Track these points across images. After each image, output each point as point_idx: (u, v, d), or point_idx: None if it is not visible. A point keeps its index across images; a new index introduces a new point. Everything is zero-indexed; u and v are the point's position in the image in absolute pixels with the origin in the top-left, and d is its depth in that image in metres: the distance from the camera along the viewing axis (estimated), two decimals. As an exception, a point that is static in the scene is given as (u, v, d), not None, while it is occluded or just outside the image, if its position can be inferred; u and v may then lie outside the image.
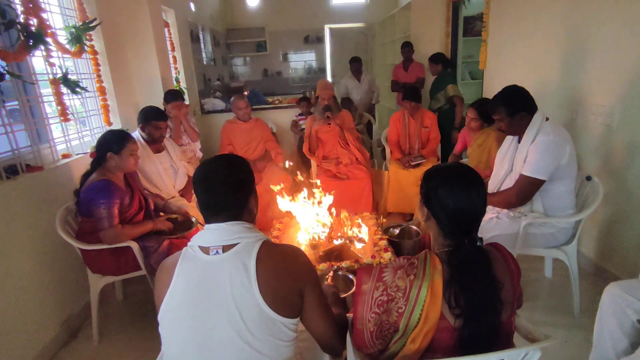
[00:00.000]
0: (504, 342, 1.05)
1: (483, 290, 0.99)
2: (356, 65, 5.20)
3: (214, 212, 1.09)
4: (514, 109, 1.99)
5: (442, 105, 4.28)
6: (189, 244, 1.09)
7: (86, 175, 2.13)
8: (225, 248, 1.04)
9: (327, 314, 1.13)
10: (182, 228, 2.35)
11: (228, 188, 1.09)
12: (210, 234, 1.07)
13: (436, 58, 4.36)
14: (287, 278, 1.05)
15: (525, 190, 1.99)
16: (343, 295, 1.68)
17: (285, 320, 1.03)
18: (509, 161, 2.13)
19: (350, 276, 1.85)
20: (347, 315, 1.22)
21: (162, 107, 3.29)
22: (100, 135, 2.21)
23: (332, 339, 1.14)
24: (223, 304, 0.99)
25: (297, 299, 1.07)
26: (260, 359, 1.01)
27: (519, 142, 2.09)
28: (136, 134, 2.73)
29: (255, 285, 0.99)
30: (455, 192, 1.04)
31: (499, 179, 2.16)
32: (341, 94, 5.30)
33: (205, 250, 1.05)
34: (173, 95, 3.31)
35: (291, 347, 1.08)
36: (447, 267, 1.02)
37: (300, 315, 1.10)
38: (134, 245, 2.07)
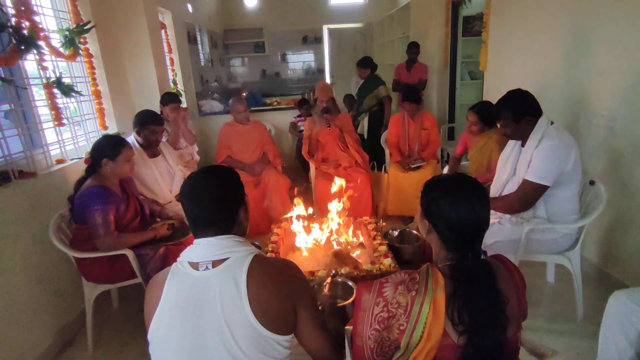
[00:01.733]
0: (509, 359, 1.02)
1: (488, 305, 0.95)
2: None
3: (202, 227, 1.06)
4: (519, 114, 1.94)
5: (372, 106, 4.49)
6: (178, 259, 1.06)
7: (81, 182, 2.09)
8: (215, 263, 1.01)
9: (321, 330, 1.10)
10: (179, 234, 2.31)
11: (216, 202, 1.06)
12: (200, 249, 1.04)
13: (365, 62, 4.51)
14: (280, 293, 1.02)
15: (529, 196, 1.95)
16: (342, 304, 1.65)
17: (277, 337, 1.00)
18: (512, 165, 2.09)
19: (350, 283, 1.82)
20: (347, 327, 1.19)
21: (158, 110, 3.26)
22: (95, 140, 2.17)
23: (328, 356, 1.11)
24: (213, 321, 0.97)
25: (291, 314, 1.04)
26: None
27: (522, 145, 2.05)
28: (131, 138, 2.69)
29: (246, 302, 0.96)
30: (458, 204, 1.00)
31: (501, 183, 2.13)
32: (352, 89, 5.32)
33: (195, 265, 1.02)
34: (170, 98, 3.28)
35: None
36: (450, 282, 0.98)
37: (295, 331, 1.07)
38: (130, 253, 2.03)
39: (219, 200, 1.06)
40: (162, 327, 1.00)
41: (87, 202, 1.97)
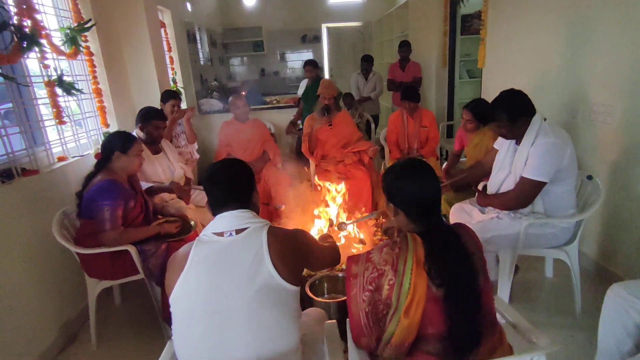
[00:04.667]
0: (488, 315, 1.12)
1: (458, 259, 1.10)
2: (365, 64, 5.27)
3: (224, 204, 1.25)
4: (515, 114, 1.96)
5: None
6: (201, 233, 1.22)
7: (90, 177, 2.09)
8: (238, 231, 1.19)
9: (326, 256, 1.48)
10: (181, 231, 2.32)
11: (236, 182, 1.28)
12: (223, 219, 1.22)
13: (314, 63, 4.62)
14: (294, 252, 1.22)
15: (527, 193, 1.97)
16: (342, 298, 1.71)
17: (291, 287, 1.17)
18: (508, 164, 2.11)
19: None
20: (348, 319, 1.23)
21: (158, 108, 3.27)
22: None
23: (332, 263, 1.55)
24: (238, 276, 1.12)
25: (300, 267, 1.30)
26: (267, 328, 1.12)
27: (517, 144, 2.07)
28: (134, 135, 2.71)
29: (267, 257, 1.14)
30: (411, 181, 1.19)
31: (499, 181, 2.14)
32: (351, 89, 5.33)
33: (220, 234, 1.19)
34: (170, 95, 3.31)
35: (295, 325, 1.18)
36: (424, 244, 1.11)
37: (307, 266, 1.41)
38: (132, 249, 2.05)
39: (239, 182, 1.29)
40: (188, 287, 1.14)
41: (97, 196, 1.98)
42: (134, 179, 2.27)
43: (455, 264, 1.09)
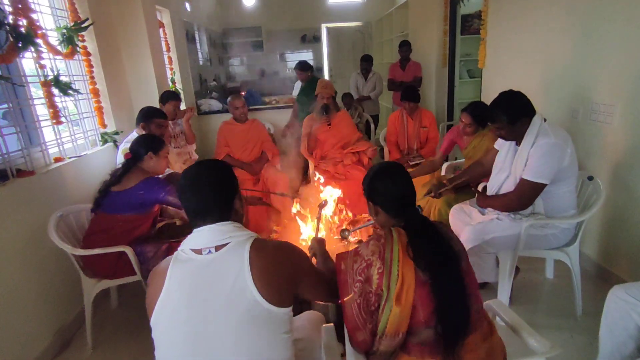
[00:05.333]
0: (473, 297, 1.16)
1: (438, 241, 1.17)
2: (364, 64, 5.26)
3: (202, 216, 1.11)
4: (514, 115, 1.94)
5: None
6: (180, 248, 1.10)
7: (118, 175, 2.13)
8: (218, 248, 1.06)
9: (321, 285, 1.26)
10: (181, 232, 2.31)
11: (213, 191, 1.13)
12: (202, 235, 1.09)
13: (305, 66, 4.51)
14: (280, 269, 1.08)
15: (527, 195, 1.95)
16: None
17: (279, 310, 1.05)
18: (509, 165, 2.09)
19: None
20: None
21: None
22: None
23: (329, 297, 1.30)
24: (219, 299, 1.01)
25: (291, 287, 1.12)
26: (257, 354, 1.02)
27: (517, 145, 2.05)
28: (134, 135, 2.70)
29: (249, 278, 1.02)
30: (387, 180, 1.28)
31: (499, 182, 2.12)
32: (351, 89, 5.31)
33: (198, 251, 1.07)
34: (170, 95, 3.32)
35: (287, 343, 1.09)
36: (407, 233, 1.18)
37: (299, 292, 1.19)
38: (128, 250, 2.04)
39: (216, 190, 1.13)
40: (166, 311, 1.03)
41: (151, 190, 2.10)
42: None
43: (435, 246, 1.15)
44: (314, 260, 1.56)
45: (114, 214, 2.11)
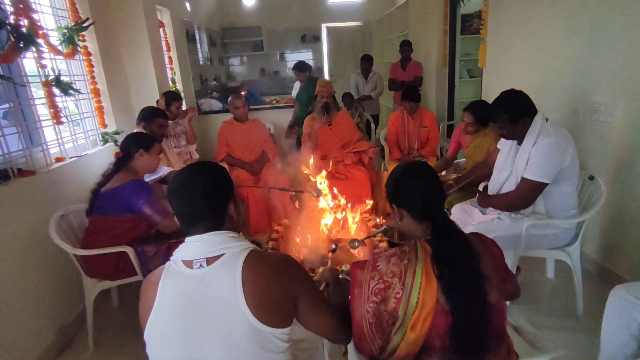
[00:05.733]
0: (496, 329, 1.06)
1: (463, 258, 1.05)
2: (365, 64, 5.26)
3: (192, 223, 1.04)
4: (516, 115, 1.94)
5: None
6: (171, 258, 1.04)
7: (108, 175, 2.10)
8: (210, 260, 0.99)
9: (325, 312, 1.10)
10: (181, 232, 2.30)
11: (204, 197, 1.03)
12: (193, 246, 1.02)
13: (302, 66, 4.51)
14: (277, 287, 0.99)
15: (528, 194, 1.95)
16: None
17: (275, 331, 0.98)
18: (510, 164, 2.09)
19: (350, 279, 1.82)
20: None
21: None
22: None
23: (336, 333, 1.13)
24: (210, 319, 0.95)
25: (289, 306, 1.03)
26: None
27: (519, 144, 2.05)
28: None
29: (241, 298, 0.95)
30: (415, 181, 1.17)
31: (500, 182, 2.12)
32: (351, 89, 5.31)
33: (189, 264, 1.00)
34: (173, 96, 3.34)
35: (286, 356, 1.04)
36: (433, 246, 1.08)
37: (298, 318, 1.07)
38: (130, 251, 2.03)
39: (207, 196, 1.04)
40: (158, 328, 0.99)
41: (132, 195, 2.03)
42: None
43: (464, 269, 1.03)
44: (321, 284, 1.45)
45: (107, 215, 2.07)
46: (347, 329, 1.12)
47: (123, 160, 2.15)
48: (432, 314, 0.99)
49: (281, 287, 1.00)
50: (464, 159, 3.04)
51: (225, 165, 3.52)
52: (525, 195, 1.96)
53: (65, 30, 2.55)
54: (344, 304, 1.20)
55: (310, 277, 1.13)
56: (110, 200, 2.04)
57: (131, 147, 2.14)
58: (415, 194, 1.16)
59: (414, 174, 1.19)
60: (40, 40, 2.26)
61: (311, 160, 2.71)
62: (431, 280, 1.01)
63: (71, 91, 2.50)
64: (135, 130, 2.71)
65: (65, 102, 2.62)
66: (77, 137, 2.77)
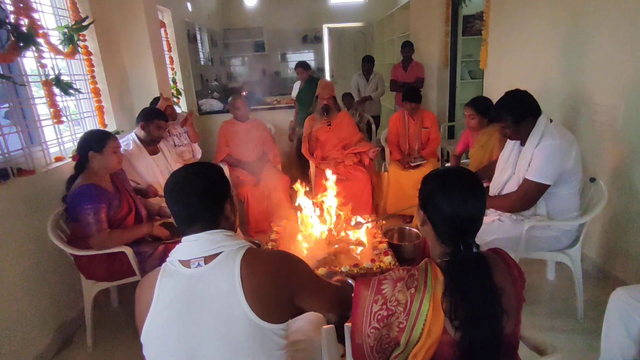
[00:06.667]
0: (508, 356, 1.00)
1: (482, 297, 0.94)
2: (366, 65, 5.26)
3: (188, 223, 1.04)
4: (520, 115, 1.93)
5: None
6: (168, 259, 1.04)
7: (71, 180, 2.07)
8: (207, 259, 0.99)
9: (325, 292, 1.17)
10: (178, 233, 2.29)
11: (200, 197, 1.04)
12: (190, 246, 1.02)
13: (308, 65, 4.65)
14: (275, 282, 1.01)
15: (530, 195, 1.94)
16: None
17: (274, 327, 0.99)
18: (512, 165, 2.08)
19: (350, 281, 1.81)
20: (346, 324, 1.19)
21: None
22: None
23: (337, 309, 1.21)
24: (210, 318, 0.96)
25: (288, 301, 1.04)
26: None
27: (522, 145, 2.04)
28: (132, 135, 2.70)
29: (241, 294, 0.95)
30: (452, 198, 0.99)
31: (501, 183, 2.12)
32: (352, 90, 5.31)
33: (186, 263, 1.00)
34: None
35: (283, 357, 1.04)
36: (447, 277, 0.97)
37: (300, 305, 1.11)
38: (128, 251, 2.02)
39: (203, 195, 1.04)
40: (156, 329, 0.98)
41: (78, 201, 1.94)
42: (118, 177, 2.22)
43: (479, 303, 0.93)
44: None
45: (75, 223, 2.01)
46: (346, 304, 1.17)
47: (80, 163, 2.08)
48: (436, 344, 0.93)
49: (279, 284, 1.01)
50: (468, 160, 3.04)
51: (226, 166, 3.52)
52: (527, 196, 1.95)
53: (66, 30, 2.55)
54: (342, 281, 1.26)
55: (308, 267, 1.14)
56: (69, 206, 2.00)
57: (82, 150, 2.04)
58: (446, 214, 0.99)
59: (454, 189, 1.00)
60: (41, 40, 2.25)
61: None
62: (439, 310, 0.93)
63: (71, 91, 2.50)
64: (134, 131, 2.71)
65: (65, 102, 2.62)
66: (77, 136, 2.76)
